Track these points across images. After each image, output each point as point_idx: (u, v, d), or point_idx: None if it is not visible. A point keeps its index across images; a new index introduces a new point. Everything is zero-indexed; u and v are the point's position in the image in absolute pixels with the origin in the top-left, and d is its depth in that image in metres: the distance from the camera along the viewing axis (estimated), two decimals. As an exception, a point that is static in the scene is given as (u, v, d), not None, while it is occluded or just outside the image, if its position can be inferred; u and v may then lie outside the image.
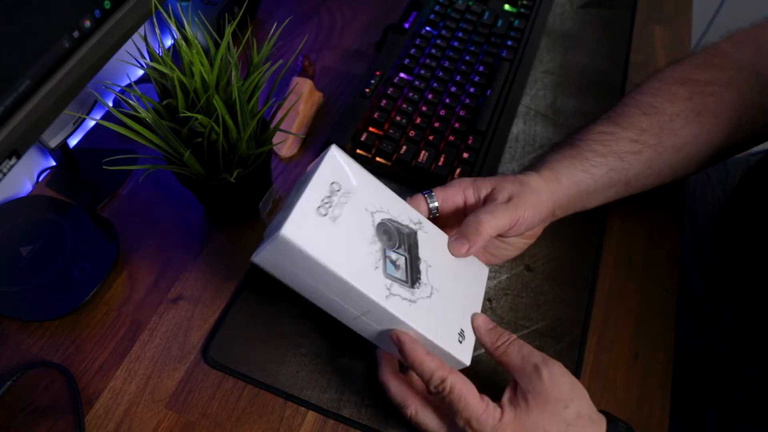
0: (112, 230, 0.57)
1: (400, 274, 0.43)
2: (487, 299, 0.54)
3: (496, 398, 0.42)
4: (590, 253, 0.57)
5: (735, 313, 0.63)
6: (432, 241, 0.46)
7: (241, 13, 0.56)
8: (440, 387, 0.41)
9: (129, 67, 0.68)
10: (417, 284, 0.43)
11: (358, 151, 0.62)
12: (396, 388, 0.45)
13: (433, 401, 0.44)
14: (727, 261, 0.65)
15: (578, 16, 0.81)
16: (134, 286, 0.55)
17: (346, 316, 0.44)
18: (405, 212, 0.46)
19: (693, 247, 0.69)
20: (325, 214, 0.41)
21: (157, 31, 0.56)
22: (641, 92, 0.55)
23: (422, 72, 0.68)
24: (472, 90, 0.67)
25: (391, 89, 0.66)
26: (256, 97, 0.51)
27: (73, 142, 0.66)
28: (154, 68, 0.47)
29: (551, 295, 0.54)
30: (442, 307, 0.44)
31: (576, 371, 0.50)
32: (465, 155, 0.61)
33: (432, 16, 0.75)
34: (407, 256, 0.44)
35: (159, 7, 0.50)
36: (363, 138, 0.62)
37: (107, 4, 0.49)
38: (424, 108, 0.65)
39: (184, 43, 0.47)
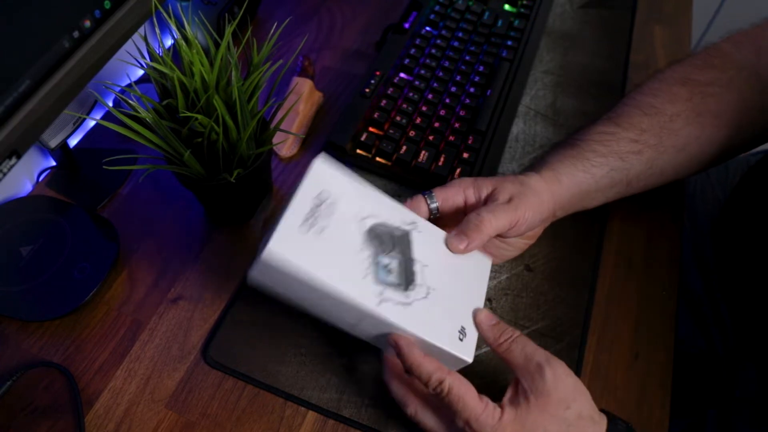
0: (112, 230, 0.57)
1: (393, 278, 0.43)
2: (488, 299, 0.54)
3: (498, 398, 0.42)
4: (590, 253, 0.57)
5: (735, 313, 0.63)
6: (428, 239, 0.46)
7: (241, 13, 0.56)
8: (438, 388, 0.41)
9: (129, 67, 0.68)
10: (412, 286, 0.43)
11: (358, 151, 0.62)
12: (398, 388, 0.45)
13: (433, 401, 0.44)
14: (727, 261, 0.65)
15: (578, 16, 0.81)
16: (134, 286, 0.55)
17: (345, 325, 0.45)
18: (398, 214, 0.46)
19: (693, 247, 0.69)
20: (311, 228, 0.41)
21: (157, 31, 0.56)
22: (641, 92, 0.55)
23: (422, 72, 0.68)
24: (472, 90, 0.67)
25: (391, 89, 0.66)
26: (256, 97, 0.51)
27: (73, 142, 0.66)
28: (154, 68, 0.47)
29: (551, 295, 0.54)
30: (440, 306, 0.44)
31: (576, 371, 0.50)
32: (465, 155, 0.61)
33: (432, 16, 0.75)
34: (400, 259, 0.44)
35: (159, 7, 0.50)
36: (363, 138, 0.62)
37: (107, 4, 0.49)
38: (424, 108, 0.65)
39: (184, 43, 0.47)
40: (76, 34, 0.47)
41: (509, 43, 0.72)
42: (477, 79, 0.68)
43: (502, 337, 0.43)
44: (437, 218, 0.50)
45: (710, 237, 0.69)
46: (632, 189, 0.54)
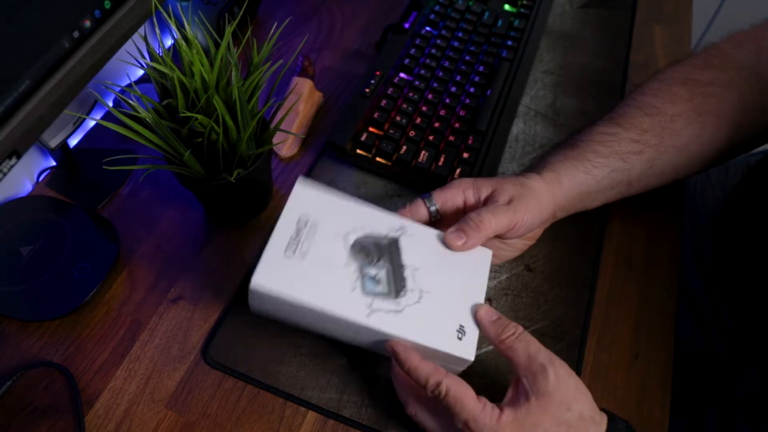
0: (112, 230, 0.57)
1: (382, 287, 0.44)
2: (488, 299, 0.54)
3: (498, 398, 0.42)
4: (590, 253, 0.57)
5: (735, 313, 0.63)
6: (419, 242, 0.46)
7: (241, 13, 0.56)
8: (436, 391, 0.41)
9: (129, 67, 0.68)
10: (403, 292, 0.44)
11: (358, 151, 0.62)
12: (400, 388, 0.46)
13: (432, 403, 0.44)
14: (727, 261, 0.65)
15: (578, 16, 0.81)
16: (134, 286, 0.55)
17: (347, 338, 0.46)
18: (384, 223, 0.46)
19: (693, 247, 0.69)
20: (295, 252, 0.43)
21: (157, 31, 0.56)
22: (642, 93, 0.55)
23: (422, 72, 0.68)
24: (472, 90, 0.67)
25: (391, 89, 0.66)
26: (256, 97, 0.51)
27: (73, 142, 0.66)
28: (154, 68, 0.47)
29: (551, 295, 0.54)
30: (435, 308, 0.44)
31: (576, 371, 0.50)
32: (465, 155, 0.61)
33: (432, 16, 0.75)
34: (388, 268, 0.44)
35: (159, 7, 0.50)
36: (363, 138, 0.62)
37: (107, 4, 0.49)
38: (424, 108, 0.65)
39: (184, 43, 0.47)
40: (76, 34, 0.47)
41: (509, 43, 0.72)
42: (477, 79, 0.68)
43: (504, 334, 0.42)
44: (437, 220, 0.50)
45: (710, 237, 0.69)
46: (633, 189, 0.54)
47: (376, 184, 0.62)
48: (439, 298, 0.44)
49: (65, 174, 0.63)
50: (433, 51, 0.71)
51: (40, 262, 0.54)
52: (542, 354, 0.41)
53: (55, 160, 0.63)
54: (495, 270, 0.56)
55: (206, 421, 0.48)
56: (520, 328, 0.43)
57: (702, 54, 0.57)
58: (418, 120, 0.64)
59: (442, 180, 0.60)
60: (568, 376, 0.41)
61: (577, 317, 0.53)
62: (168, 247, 0.58)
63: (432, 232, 0.47)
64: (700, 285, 0.67)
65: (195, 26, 0.65)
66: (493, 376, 0.49)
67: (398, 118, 0.64)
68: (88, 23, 0.47)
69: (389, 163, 0.62)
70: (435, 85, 0.67)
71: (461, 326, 0.43)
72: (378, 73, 0.68)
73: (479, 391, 0.41)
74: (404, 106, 0.65)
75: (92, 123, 0.67)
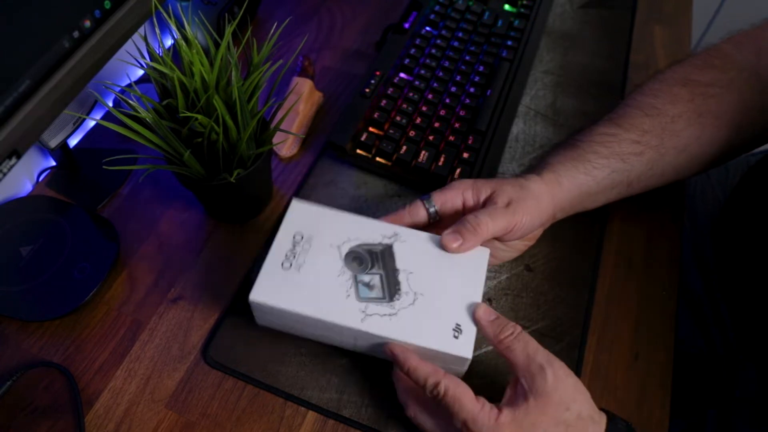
0: (112, 230, 0.57)
1: (376, 292, 0.45)
2: (487, 299, 0.54)
3: (498, 398, 0.42)
4: (590, 253, 0.57)
5: (735, 313, 0.63)
6: (413, 247, 0.47)
7: (241, 13, 0.56)
8: (435, 391, 0.41)
9: (129, 67, 0.68)
10: (397, 296, 0.45)
11: (358, 151, 0.62)
12: (400, 390, 0.46)
13: (432, 404, 0.44)
14: (727, 261, 0.65)
15: (578, 16, 0.81)
16: (134, 286, 0.55)
17: (348, 345, 0.47)
18: (377, 231, 0.48)
19: (693, 247, 0.69)
20: (290, 267, 0.46)
21: (157, 31, 0.56)
22: (642, 93, 0.55)
23: (422, 72, 0.68)
24: (472, 90, 0.67)
25: (391, 89, 0.66)
26: (256, 97, 0.51)
27: (73, 142, 0.66)
28: (154, 68, 0.47)
29: (551, 295, 0.54)
30: (430, 309, 0.44)
31: (576, 371, 0.50)
32: (465, 155, 0.61)
33: (432, 16, 0.75)
34: (382, 273, 0.46)
35: (159, 7, 0.50)
36: (363, 138, 0.62)
37: (107, 4, 0.49)
38: (424, 108, 0.65)
39: (184, 43, 0.47)
40: (76, 34, 0.47)
41: (509, 43, 0.72)
42: (477, 79, 0.68)
43: (503, 334, 0.42)
44: (437, 222, 0.50)
45: (710, 237, 0.69)
46: (633, 190, 0.54)
47: (376, 184, 0.62)
48: (434, 299, 0.45)
49: (65, 174, 0.63)
50: (433, 51, 0.71)
51: (40, 262, 0.54)
52: (540, 354, 0.41)
53: (55, 160, 0.63)
54: (495, 270, 0.56)
55: (206, 421, 0.48)
56: (519, 328, 0.43)
57: (702, 54, 0.57)
58: (418, 120, 0.64)
59: (442, 180, 0.60)
60: (566, 376, 0.41)
61: (577, 317, 0.53)
62: (168, 247, 0.58)
63: (426, 236, 0.48)
64: (700, 285, 0.67)
65: (195, 26, 0.65)
66: (492, 377, 0.49)
67: (398, 118, 0.64)
68: (88, 23, 0.47)
69: (389, 163, 0.62)
70: (435, 85, 0.67)
71: (457, 325, 0.44)
72: (378, 73, 0.68)
73: (478, 392, 0.41)
74: (404, 106, 0.65)
75: (92, 123, 0.67)
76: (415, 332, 0.43)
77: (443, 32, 0.73)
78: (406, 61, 0.69)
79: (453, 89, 0.67)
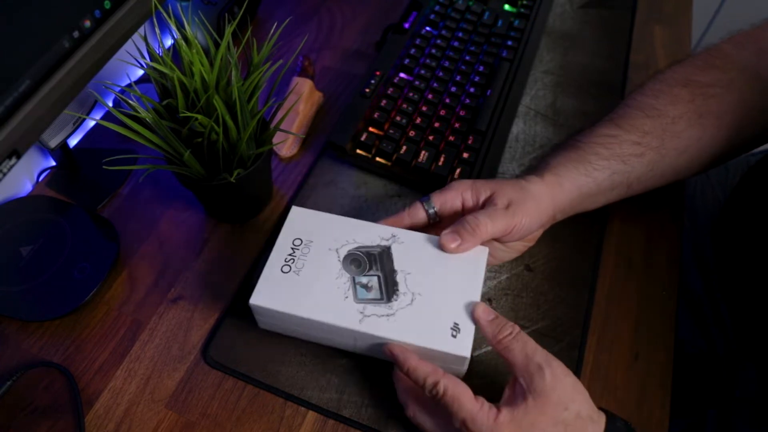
0: (112, 230, 0.57)
1: (373, 294, 0.45)
2: (487, 299, 0.54)
3: (497, 398, 0.42)
4: (590, 253, 0.57)
5: (735, 313, 0.63)
6: (411, 248, 0.48)
7: (241, 13, 0.56)
8: (434, 391, 0.41)
9: (129, 67, 0.68)
10: (395, 296, 0.45)
11: (358, 151, 0.62)
12: (400, 390, 0.46)
13: (431, 403, 0.44)
14: (727, 261, 0.65)
15: (578, 16, 0.81)
16: (134, 286, 0.55)
17: (348, 346, 0.48)
18: (375, 233, 0.49)
19: (693, 247, 0.69)
20: (289, 271, 0.47)
21: (157, 31, 0.56)
22: (643, 94, 0.55)
23: (422, 72, 0.68)
24: (472, 90, 0.67)
25: (391, 89, 0.66)
26: (256, 97, 0.51)
27: (73, 142, 0.66)
28: (154, 68, 0.47)
29: (551, 295, 0.54)
30: (428, 309, 0.44)
31: (576, 371, 0.50)
32: (465, 155, 0.61)
33: (432, 16, 0.75)
34: (380, 275, 0.46)
35: (159, 7, 0.50)
36: (363, 138, 0.62)
37: (107, 4, 0.49)
38: (424, 108, 0.65)
39: (184, 43, 0.47)
40: (76, 34, 0.47)
41: (509, 43, 0.72)
42: (477, 79, 0.68)
43: (501, 334, 0.43)
44: (437, 223, 0.50)
45: (710, 237, 0.69)
46: (633, 191, 0.54)
47: (376, 184, 0.62)
48: (432, 299, 0.45)
49: (65, 174, 0.63)
50: (433, 51, 0.71)
51: (40, 262, 0.54)
52: (539, 354, 0.41)
53: (55, 160, 0.63)
54: (495, 270, 0.56)
55: (206, 421, 0.48)
56: (517, 328, 0.43)
57: (703, 54, 0.57)
58: (418, 120, 0.64)
59: (442, 180, 0.60)
60: (564, 376, 0.41)
61: (577, 317, 0.53)
62: (168, 247, 0.58)
63: (424, 237, 0.48)
64: (700, 285, 0.67)
65: (195, 26, 0.65)
66: (492, 377, 0.49)
67: (398, 118, 0.64)
68: (88, 23, 0.47)
69: (389, 163, 0.62)
70: (435, 85, 0.67)
71: (456, 324, 0.44)
72: (378, 73, 0.68)
73: (478, 391, 0.41)
74: (404, 106, 0.65)
75: (92, 123, 0.67)
76: (413, 332, 0.43)
77: (443, 32, 0.73)
78: (406, 61, 0.69)
79: (453, 89, 0.67)
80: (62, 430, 0.47)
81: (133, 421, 0.48)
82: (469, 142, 0.62)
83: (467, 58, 0.70)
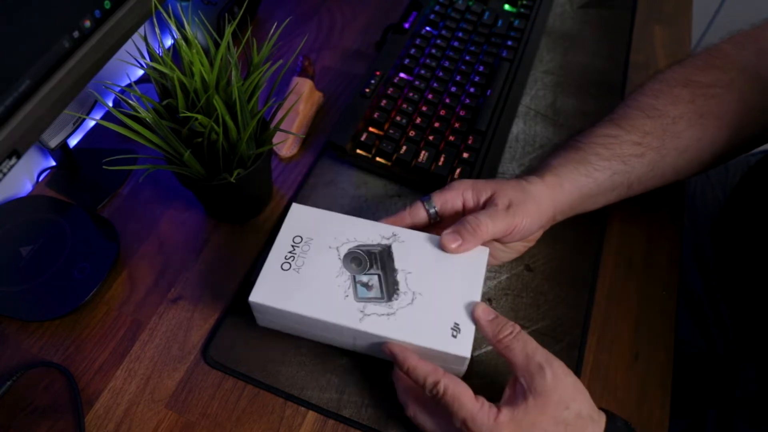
0: (112, 230, 0.57)
1: (374, 293, 0.45)
2: (487, 299, 0.54)
3: (498, 398, 0.42)
4: (590, 254, 0.57)
5: (735, 313, 0.63)
6: (411, 247, 0.48)
7: (241, 13, 0.56)
8: (434, 390, 0.41)
9: (129, 67, 0.68)
10: (395, 296, 0.45)
11: (358, 151, 0.62)
12: (400, 390, 0.46)
13: (431, 403, 0.44)
14: (727, 261, 0.65)
15: (578, 16, 0.81)
16: (134, 286, 0.55)
17: (348, 345, 0.47)
18: (376, 232, 0.48)
19: (693, 247, 0.69)
20: (289, 268, 0.47)
21: (157, 31, 0.56)
22: (643, 94, 0.55)
23: (422, 72, 0.68)
24: (472, 90, 0.67)
25: (391, 89, 0.66)
26: (256, 97, 0.51)
27: (73, 142, 0.66)
28: (154, 68, 0.47)
29: (551, 295, 0.54)
30: (428, 308, 0.44)
31: (576, 371, 0.50)
32: (465, 155, 0.61)
33: (432, 16, 0.75)
34: (380, 274, 0.46)
35: (159, 7, 0.50)
36: (363, 138, 0.62)
37: (107, 4, 0.49)
38: (424, 108, 0.65)
39: (184, 43, 0.47)
40: (76, 34, 0.47)
41: (509, 43, 0.72)
42: (477, 79, 0.68)
43: (502, 333, 0.43)
44: (437, 223, 0.50)
45: (710, 237, 0.69)
46: (633, 191, 0.54)
47: (376, 184, 0.62)
48: (432, 299, 0.45)
49: (65, 174, 0.63)
50: (433, 51, 0.71)
51: (40, 262, 0.54)
52: (540, 353, 0.41)
53: (55, 160, 0.63)
54: (495, 270, 0.56)
55: (206, 421, 0.48)
56: (518, 328, 0.43)
57: (703, 54, 0.57)
58: (418, 120, 0.64)
59: (442, 180, 0.60)
60: (565, 376, 0.41)
61: (577, 317, 0.53)
62: (168, 247, 0.58)
63: (425, 236, 0.48)
64: (700, 285, 0.67)
65: (195, 26, 0.65)
66: (492, 377, 0.49)
67: (398, 118, 0.64)
68: (88, 23, 0.47)
69: (389, 163, 0.62)
70: (435, 85, 0.67)
71: (456, 324, 0.44)
72: (378, 73, 0.68)
73: (478, 391, 0.41)
74: (404, 106, 0.65)
75: (92, 123, 0.67)
76: (414, 332, 0.43)
77: (443, 32, 0.73)
78: (406, 61, 0.69)
79: (453, 89, 0.67)
80: (62, 430, 0.47)
81: (133, 421, 0.48)
82: (469, 142, 0.62)
83: (467, 58, 0.70)
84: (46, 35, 0.44)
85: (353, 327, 0.44)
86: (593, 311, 0.54)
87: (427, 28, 0.74)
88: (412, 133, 0.63)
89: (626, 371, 0.50)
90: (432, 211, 0.49)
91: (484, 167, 0.61)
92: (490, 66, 0.70)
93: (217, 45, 0.48)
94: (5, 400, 0.48)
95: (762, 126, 0.55)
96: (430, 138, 0.63)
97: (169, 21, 0.47)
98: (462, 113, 0.65)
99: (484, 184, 0.49)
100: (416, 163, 0.61)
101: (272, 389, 0.49)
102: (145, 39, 0.49)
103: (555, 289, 0.55)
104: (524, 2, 0.78)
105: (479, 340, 0.45)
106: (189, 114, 0.45)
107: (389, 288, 0.45)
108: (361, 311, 0.44)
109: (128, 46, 0.51)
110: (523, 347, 0.42)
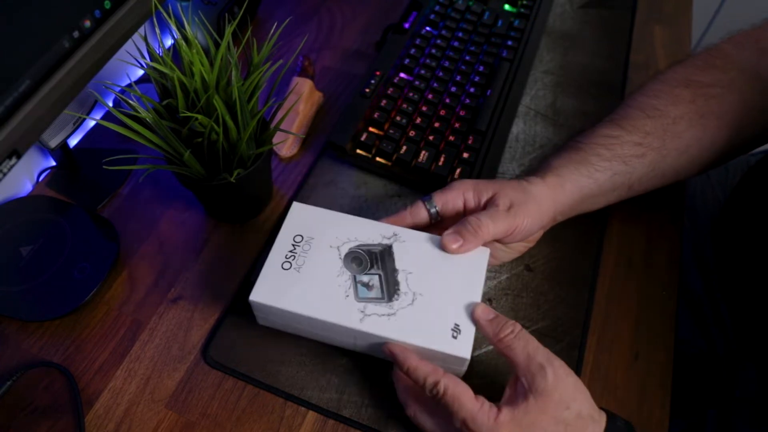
0: (112, 230, 0.57)
1: (374, 293, 0.45)
2: (488, 299, 0.54)
3: (498, 398, 0.42)
4: (590, 253, 0.57)
5: (735, 313, 0.63)
6: (412, 247, 0.47)
7: (241, 13, 0.56)
8: (434, 390, 0.41)
9: (129, 67, 0.68)
10: (396, 296, 0.45)
11: (358, 151, 0.62)
12: (400, 390, 0.46)
13: (431, 403, 0.44)
14: (727, 261, 0.65)
15: (578, 16, 0.81)
16: (134, 286, 0.55)
17: (348, 345, 0.47)
18: (376, 232, 0.48)
19: (693, 247, 0.69)
20: (290, 267, 0.47)
21: (157, 31, 0.56)
22: (644, 94, 0.55)
23: (422, 72, 0.68)
24: (472, 90, 0.67)
25: (391, 89, 0.66)
26: (256, 97, 0.51)
27: (73, 142, 0.66)
28: (154, 68, 0.47)
29: (551, 295, 0.54)
30: (429, 309, 0.44)
31: (576, 371, 0.50)
32: (465, 155, 0.61)
33: (432, 16, 0.75)
34: (381, 274, 0.46)
35: (159, 7, 0.50)
36: (363, 138, 0.62)
37: (107, 4, 0.49)
38: (424, 108, 0.65)
39: (184, 43, 0.47)
40: (76, 34, 0.47)
41: (509, 43, 0.72)
42: (477, 79, 0.68)
43: (502, 332, 0.42)
44: (438, 222, 0.50)
45: (710, 237, 0.69)
46: (633, 192, 0.54)
47: (376, 184, 0.62)
48: (433, 299, 0.45)
49: (65, 174, 0.63)
50: (433, 51, 0.71)
51: (40, 262, 0.54)
52: (541, 353, 0.41)
53: (55, 160, 0.63)
54: (495, 270, 0.56)
55: (206, 421, 0.48)
56: (518, 327, 0.43)
57: (703, 54, 0.57)
58: (418, 120, 0.64)
59: (442, 180, 0.60)
60: (566, 375, 0.41)
61: (577, 317, 0.53)
62: (168, 247, 0.58)
63: (425, 237, 0.48)
64: (700, 285, 0.67)
65: (195, 26, 0.65)
66: (492, 376, 0.49)
67: (398, 118, 0.64)
68: (88, 23, 0.47)
69: (389, 163, 0.62)
70: (435, 85, 0.67)
71: (456, 325, 0.44)
72: (378, 73, 0.68)
73: (478, 391, 0.41)
74: (404, 106, 0.65)
75: (92, 123, 0.67)
76: (414, 332, 0.43)
77: (443, 32, 0.73)
78: (406, 61, 0.69)
79: (453, 89, 0.67)
80: (62, 430, 0.47)
81: (133, 421, 0.48)
82: (469, 142, 0.62)
83: (467, 58, 0.70)
84: (46, 35, 0.44)
85: (353, 327, 0.44)
86: (593, 311, 0.54)
87: (427, 28, 0.74)
88: (412, 133, 0.63)
89: (626, 371, 0.50)
90: (433, 210, 0.49)
91: (484, 167, 0.61)
92: (490, 66, 0.70)
93: (217, 45, 0.48)
94: (5, 400, 0.48)
95: (762, 126, 0.55)
96: (430, 138, 0.63)
97: (169, 21, 0.47)
98: (462, 113, 0.65)
99: (486, 184, 0.49)
100: (416, 163, 0.61)
101: (272, 389, 0.49)
102: (145, 39, 0.49)
103: (555, 289, 0.55)
104: (524, 2, 0.78)
105: (479, 340, 0.45)
106: (189, 114, 0.45)
107: (390, 288, 0.45)
108: (362, 311, 0.44)
109: (128, 46, 0.51)
110: (525, 346, 0.41)
